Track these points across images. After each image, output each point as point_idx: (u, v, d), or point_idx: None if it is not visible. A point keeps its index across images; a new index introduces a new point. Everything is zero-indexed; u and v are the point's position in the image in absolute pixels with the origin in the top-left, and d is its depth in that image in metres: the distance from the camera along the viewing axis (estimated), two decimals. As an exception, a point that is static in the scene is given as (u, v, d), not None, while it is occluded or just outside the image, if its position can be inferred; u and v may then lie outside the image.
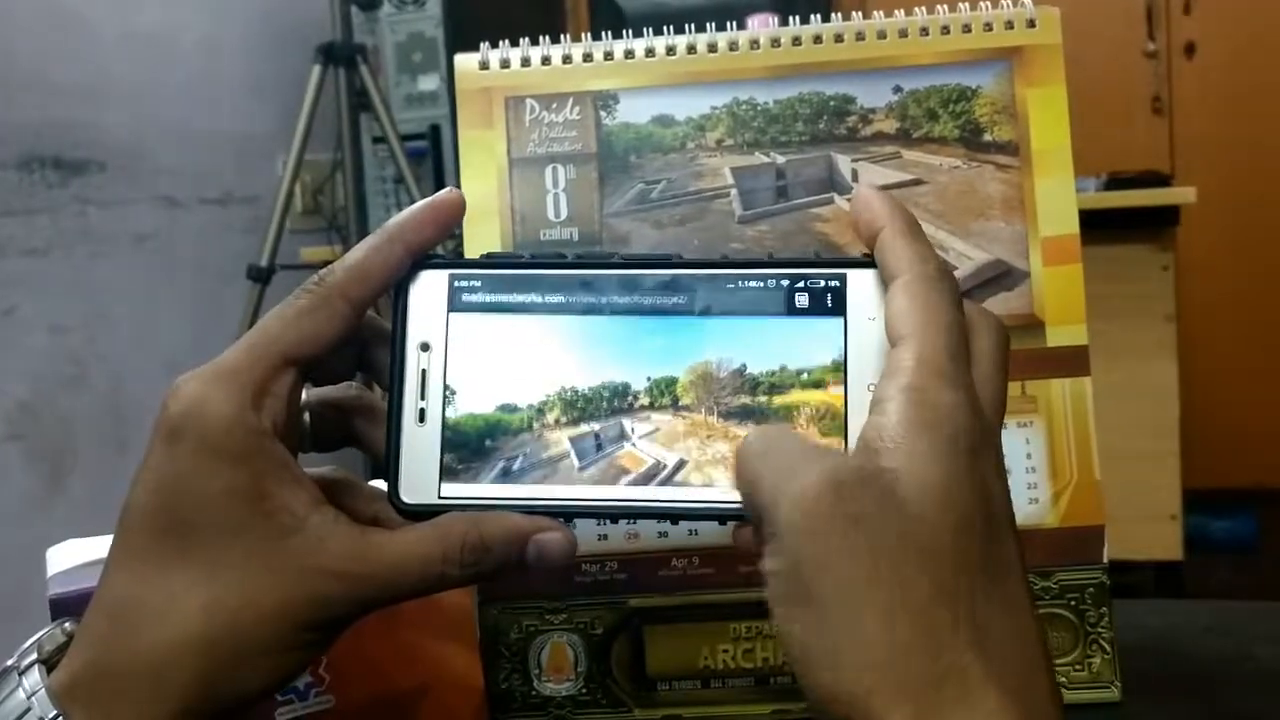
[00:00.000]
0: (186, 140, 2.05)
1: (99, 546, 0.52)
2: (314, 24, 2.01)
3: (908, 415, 0.35)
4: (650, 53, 0.60)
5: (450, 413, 0.40)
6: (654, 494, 0.39)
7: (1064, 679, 0.57)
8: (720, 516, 0.39)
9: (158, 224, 2.01)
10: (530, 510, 0.40)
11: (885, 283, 0.39)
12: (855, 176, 0.59)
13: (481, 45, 0.61)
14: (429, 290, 0.40)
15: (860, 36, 0.59)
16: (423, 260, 0.40)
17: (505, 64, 0.60)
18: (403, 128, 2.08)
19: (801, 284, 0.40)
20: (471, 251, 0.58)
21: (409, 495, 0.39)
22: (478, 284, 0.40)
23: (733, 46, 0.60)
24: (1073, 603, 0.57)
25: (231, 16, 2.14)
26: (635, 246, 0.59)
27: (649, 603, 0.57)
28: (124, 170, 1.94)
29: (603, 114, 0.59)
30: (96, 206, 1.89)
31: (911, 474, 0.34)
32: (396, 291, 0.40)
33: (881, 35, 0.59)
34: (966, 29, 0.59)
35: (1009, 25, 0.59)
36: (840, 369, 0.39)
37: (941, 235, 0.58)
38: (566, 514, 0.40)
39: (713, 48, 0.60)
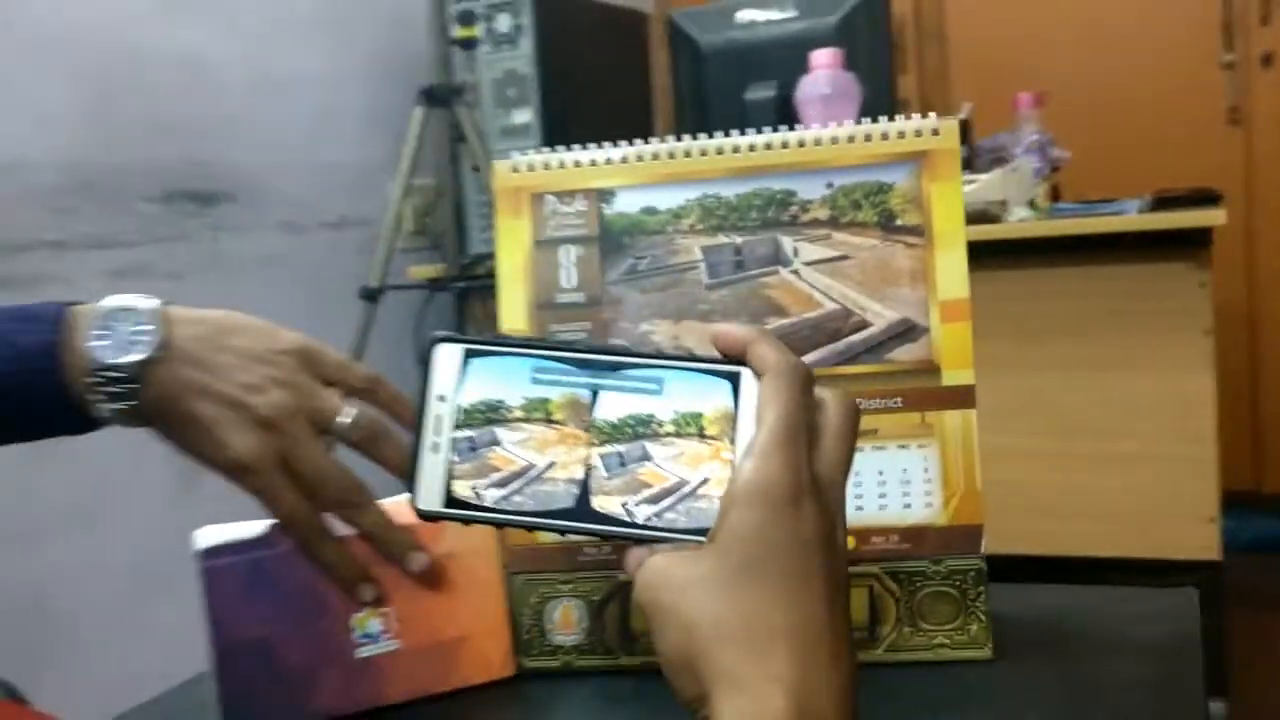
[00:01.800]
0: (307, 171, 2.28)
1: (233, 530, 0.72)
2: (420, 64, 2.23)
3: (743, 479, 0.48)
4: (639, 158, 0.78)
5: (457, 445, 0.53)
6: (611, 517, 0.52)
7: (947, 641, 0.73)
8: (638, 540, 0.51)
9: (281, 247, 2.24)
10: (512, 524, 0.52)
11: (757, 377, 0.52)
12: (796, 253, 0.76)
13: (513, 154, 0.80)
14: (447, 358, 0.55)
15: (801, 144, 0.77)
16: (443, 337, 0.55)
17: (531, 168, 0.79)
18: (498, 156, 2.29)
19: (709, 374, 0.53)
20: (507, 307, 0.77)
21: (423, 504, 0.54)
22: (482, 356, 0.54)
23: (703, 153, 0.77)
24: (957, 583, 0.74)
25: (347, 60, 2.37)
26: (627, 308, 0.77)
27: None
28: (252, 200, 2.17)
29: (603, 206, 0.78)
30: (227, 233, 2.13)
31: (734, 523, 0.48)
32: (423, 359, 0.57)
33: (818, 143, 0.77)
34: (885, 137, 0.76)
35: (918, 134, 0.76)
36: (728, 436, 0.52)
37: (862, 299, 0.75)
38: (539, 528, 0.54)
39: (687, 154, 0.78)
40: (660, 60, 2.45)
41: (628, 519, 0.51)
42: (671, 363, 0.53)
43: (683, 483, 0.51)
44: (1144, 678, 0.69)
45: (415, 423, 0.54)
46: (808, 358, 0.75)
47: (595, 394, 0.53)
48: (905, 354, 0.75)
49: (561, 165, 0.79)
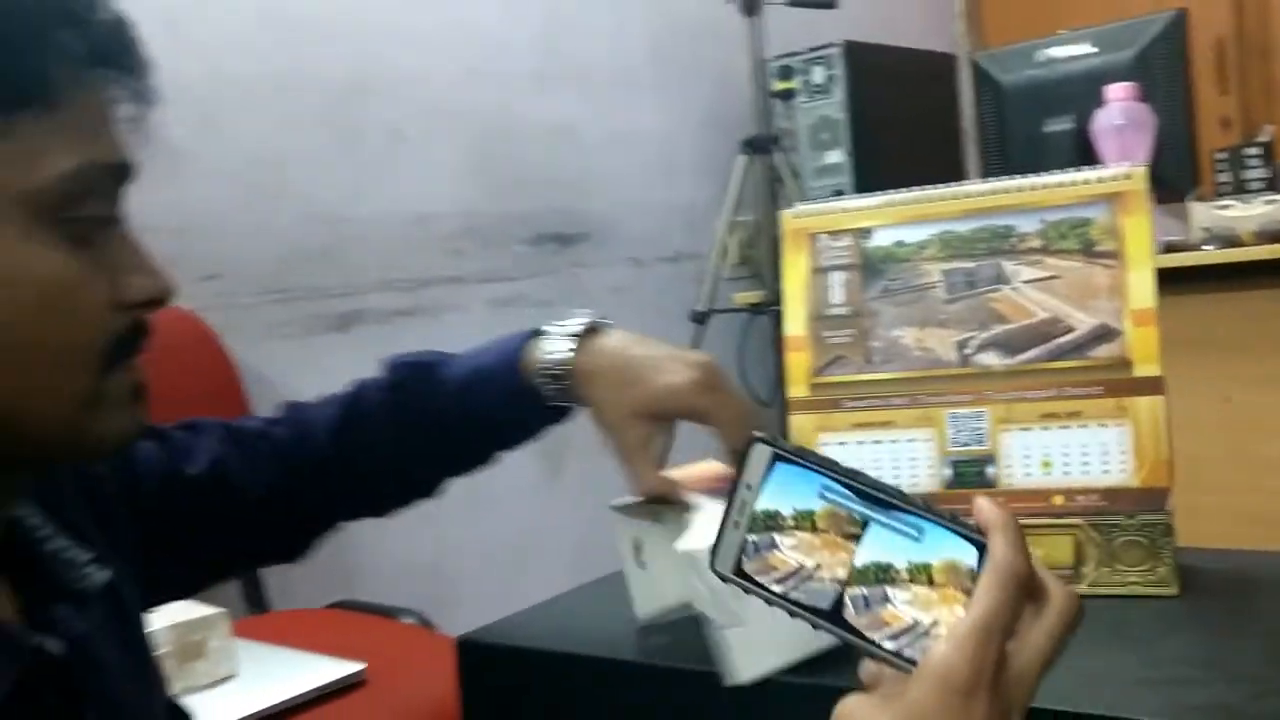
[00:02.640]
0: (648, 213, 2.64)
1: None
2: (743, 116, 2.54)
3: (933, 659, 0.51)
4: (891, 204, 1.02)
5: (754, 528, 0.58)
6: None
7: (1139, 580, 0.92)
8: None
9: (628, 279, 2.60)
10: (782, 606, 0.57)
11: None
12: (1015, 274, 0.98)
13: (778, 205, 1.06)
14: (759, 456, 0.58)
15: (1020, 189, 0.99)
16: (760, 439, 0.59)
17: (809, 214, 1.05)
18: (813, 193, 2.55)
19: (963, 536, 0.55)
20: (790, 318, 1.03)
21: (719, 566, 0.58)
22: (786, 463, 0.58)
23: (941, 198, 1.01)
24: (1147, 534, 0.92)
25: (681, 116, 2.71)
26: (882, 318, 1.01)
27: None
28: (604, 239, 2.55)
29: (863, 241, 1.03)
30: (584, 268, 2.51)
31: (912, 697, 0.51)
32: (741, 454, 0.59)
33: (1033, 188, 0.98)
34: (1086, 181, 0.96)
35: (1114, 178, 0.96)
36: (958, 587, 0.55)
37: (1068, 309, 0.96)
38: (802, 618, 0.56)
39: (929, 200, 1.01)
40: (969, 99, 2.63)
41: (869, 636, 0.55)
42: (934, 517, 0.56)
43: (917, 624, 0.55)
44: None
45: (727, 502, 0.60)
46: (1025, 355, 0.97)
47: (865, 525, 0.57)
48: (1103, 352, 0.95)
49: (831, 212, 1.04)
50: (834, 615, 0.56)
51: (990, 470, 0.97)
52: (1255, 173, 2.15)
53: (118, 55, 0.61)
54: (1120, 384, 0.94)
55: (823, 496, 0.58)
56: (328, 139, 2.10)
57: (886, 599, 0.56)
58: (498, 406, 0.91)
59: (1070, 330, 0.96)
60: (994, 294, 0.98)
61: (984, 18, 3.81)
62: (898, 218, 1.02)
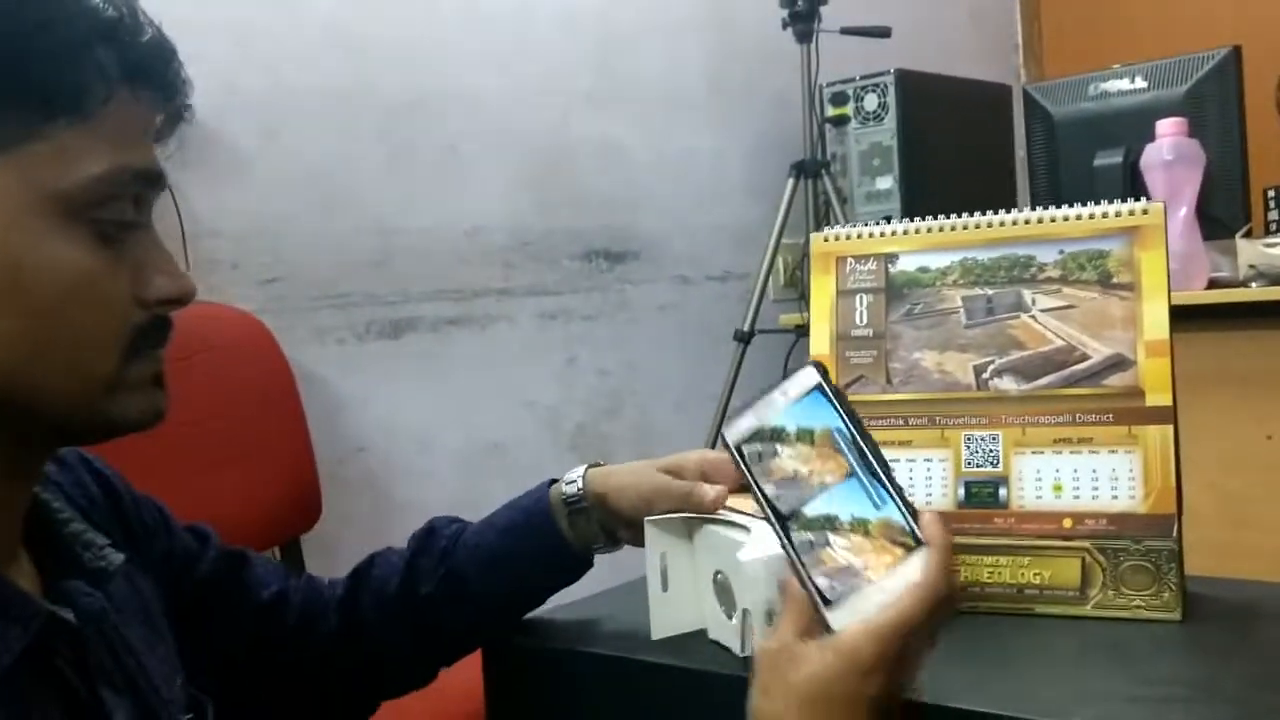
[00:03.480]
0: (697, 232, 2.68)
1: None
2: (793, 140, 2.58)
3: (847, 637, 0.65)
4: (917, 231, 1.05)
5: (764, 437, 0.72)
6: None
7: (1143, 604, 0.94)
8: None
9: (675, 297, 2.65)
10: (763, 508, 0.70)
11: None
12: (1033, 302, 1.01)
13: (824, 228, 1.10)
14: (804, 377, 0.73)
15: (1040, 221, 1.02)
16: (814, 364, 0.73)
17: (837, 238, 1.09)
18: (862, 218, 2.58)
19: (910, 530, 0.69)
20: (815, 339, 1.07)
21: (730, 435, 0.72)
22: (823, 394, 0.72)
23: (965, 227, 1.04)
24: (1153, 559, 0.94)
25: (733, 138, 2.76)
26: (904, 341, 1.05)
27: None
28: (652, 257, 2.59)
29: (889, 265, 1.06)
30: (632, 285, 2.56)
31: (824, 661, 0.65)
32: (791, 370, 0.76)
33: (1053, 220, 1.01)
34: (1105, 215, 0.99)
35: (1131, 213, 0.98)
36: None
37: (1084, 338, 0.99)
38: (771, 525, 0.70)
39: (953, 228, 1.04)
40: (1022, 130, 2.65)
41: (807, 566, 0.69)
42: (901, 503, 0.69)
43: (850, 566, 0.68)
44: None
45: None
46: (1040, 381, 1.00)
47: (847, 476, 0.70)
48: (1117, 381, 0.97)
49: (859, 236, 1.08)
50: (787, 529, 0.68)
51: (1003, 492, 1.00)
52: (1304, 211, 2.15)
53: (153, 73, 0.66)
54: (1131, 412, 0.96)
55: (832, 435, 0.70)
56: (385, 152, 2.17)
57: (828, 543, 0.68)
58: (528, 557, 0.98)
59: (1085, 359, 0.99)
60: (1012, 321, 1.01)
61: (1043, 50, 3.82)
62: (922, 244, 1.05)
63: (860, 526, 0.68)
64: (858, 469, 0.69)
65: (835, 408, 0.71)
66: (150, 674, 0.73)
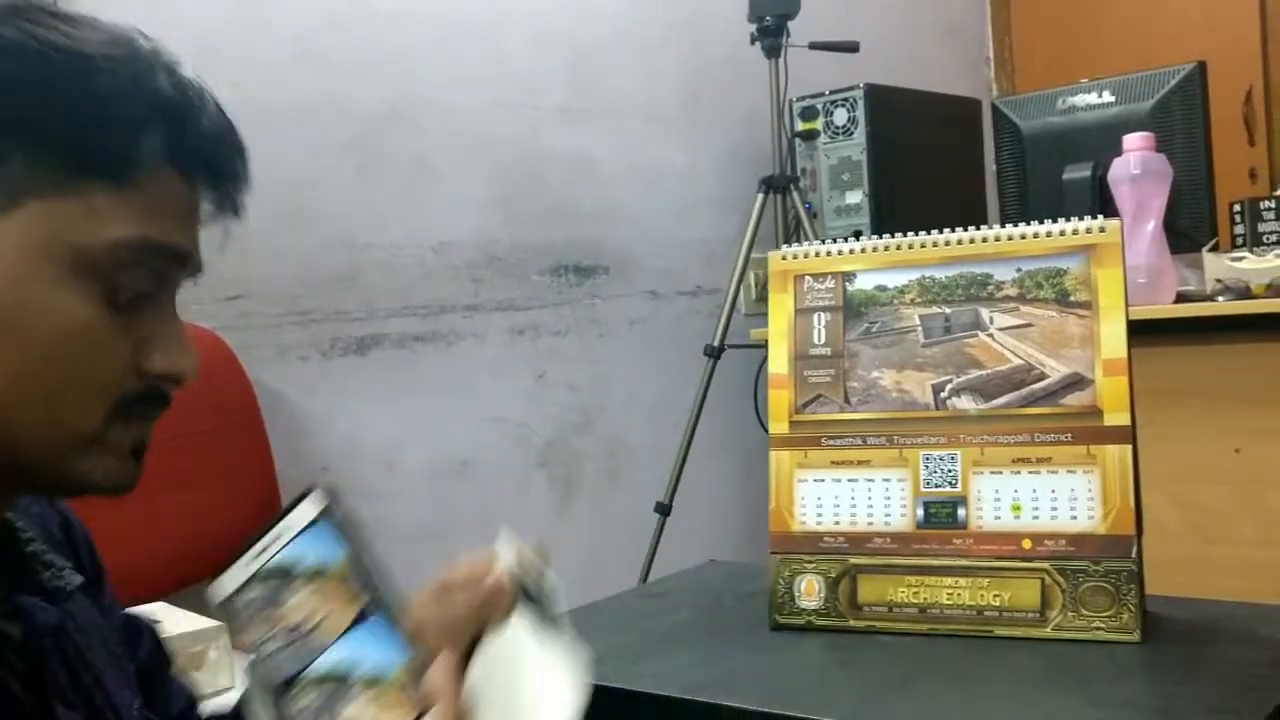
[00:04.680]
0: (668, 247, 2.67)
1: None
2: (765, 155, 2.57)
3: None
4: (875, 249, 1.05)
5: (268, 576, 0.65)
6: None
7: (1103, 625, 0.93)
8: None
9: (646, 312, 2.63)
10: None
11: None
12: (991, 320, 1.00)
13: (777, 239, 1.09)
14: (311, 503, 0.68)
15: (998, 239, 1.01)
16: (321, 488, 0.69)
17: (795, 256, 1.08)
18: (832, 233, 2.58)
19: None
20: (774, 357, 1.06)
21: (219, 593, 0.68)
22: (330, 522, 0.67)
23: (923, 245, 1.03)
24: (1112, 580, 0.94)
25: (704, 153, 2.75)
26: (861, 359, 1.04)
27: (860, 561, 1.01)
28: (623, 272, 2.58)
29: (847, 283, 1.05)
30: (603, 300, 2.55)
31: None
32: (296, 498, 0.69)
33: (1010, 238, 1.01)
34: (1063, 233, 0.99)
35: (1089, 231, 0.98)
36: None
37: (1042, 356, 0.98)
38: None
39: (911, 246, 1.04)
40: (992, 144, 2.65)
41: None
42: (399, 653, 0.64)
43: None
44: (1268, 664, 0.86)
45: None
46: (998, 400, 0.99)
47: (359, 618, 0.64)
48: (1075, 400, 0.97)
49: (817, 254, 1.07)
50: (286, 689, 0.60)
51: (962, 512, 0.99)
52: (1271, 225, 2.15)
53: (210, 165, 0.66)
54: (1090, 432, 0.96)
55: (346, 570, 0.63)
56: (354, 166, 2.15)
57: (333, 709, 0.61)
58: None
59: (1043, 378, 0.98)
60: (970, 340, 1.01)
61: (1015, 65, 3.84)
62: (880, 263, 1.05)
63: (374, 681, 0.62)
64: (372, 609, 0.63)
65: (344, 537, 0.64)
66: (109, 693, 0.72)
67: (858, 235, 2.58)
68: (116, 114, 0.61)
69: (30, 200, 0.60)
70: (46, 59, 0.60)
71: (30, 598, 0.67)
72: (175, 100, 0.64)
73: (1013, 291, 1.00)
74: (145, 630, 0.89)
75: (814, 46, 2.45)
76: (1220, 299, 2.07)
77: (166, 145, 0.63)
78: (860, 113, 2.57)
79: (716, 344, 2.39)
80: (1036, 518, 0.97)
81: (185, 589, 1.60)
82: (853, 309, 1.05)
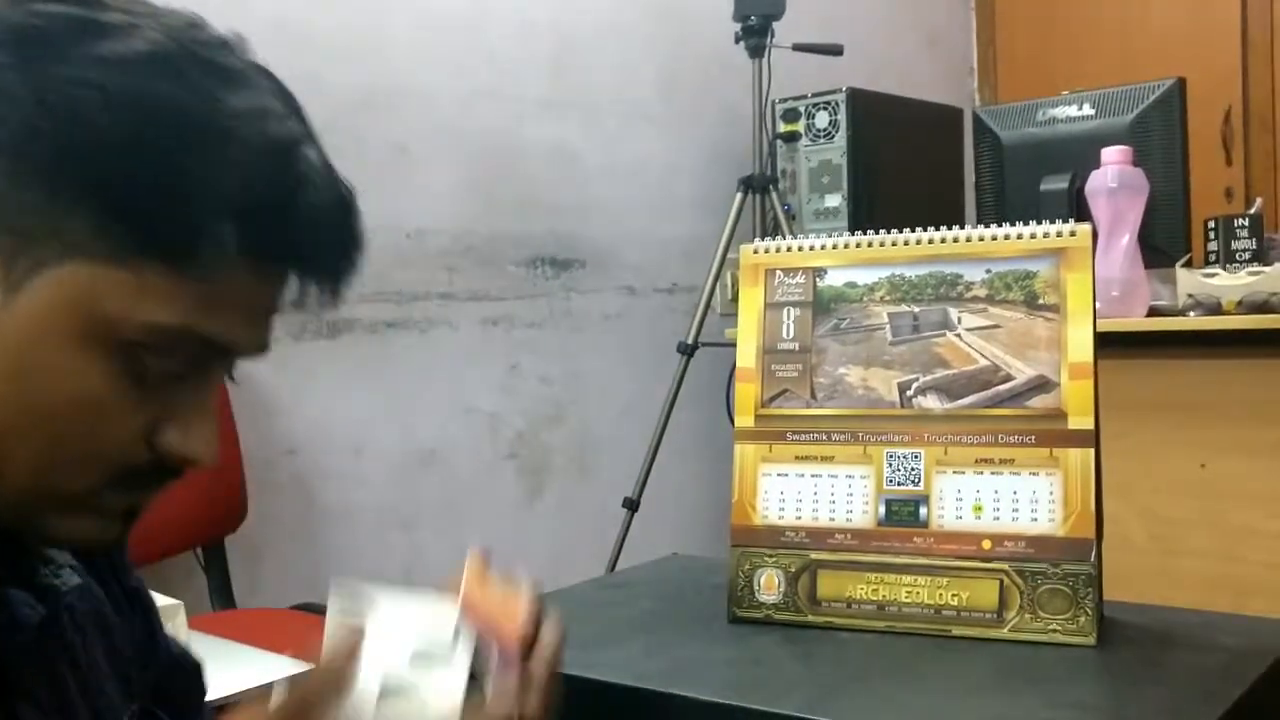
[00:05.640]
0: (645, 243, 2.67)
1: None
2: (745, 155, 2.57)
3: None
4: (846, 246, 1.05)
5: None
6: None
7: (1059, 628, 0.94)
8: None
9: (621, 307, 2.63)
10: None
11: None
12: (959, 321, 1.00)
13: (755, 239, 1.09)
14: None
15: (969, 239, 1.01)
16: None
17: (767, 251, 1.08)
18: (811, 234, 2.58)
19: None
20: (742, 352, 1.06)
21: None
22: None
23: (894, 244, 1.03)
24: (1070, 583, 0.94)
25: (684, 150, 2.75)
26: (829, 355, 1.04)
27: (821, 556, 1.01)
28: (599, 266, 2.58)
29: (817, 279, 1.05)
30: (578, 293, 2.54)
31: None
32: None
33: (981, 239, 1.01)
34: (1033, 236, 0.99)
35: (1059, 234, 0.98)
36: None
37: (1008, 358, 0.98)
38: None
39: (882, 244, 1.04)
40: (965, 151, 2.67)
41: None
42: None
43: None
44: (1220, 671, 0.86)
45: None
46: (964, 400, 0.99)
47: None
48: (1040, 403, 0.97)
49: (789, 250, 1.07)
50: None
51: (923, 510, 0.99)
52: (1243, 243, 2.17)
53: (303, 259, 0.60)
54: (1053, 435, 0.96)
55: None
56: (329, 148, 2.13)
57: None
58: None
59: (1009, 379, 0.98)
60: (938, 339, 1.01)
61: (998, 75, 3.85)
62: (851, 259, 1.05)
63: None
64: None
65: None
66: (97, 697, 0.68)
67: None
68: (186, 198, 0.55)
69: (80, 259, 0.55)
70: (172, 124, 0.55)
71: (21, 592, 0.63)
72: (261, 193, 0.57)
73: (982, 292, 1.00)
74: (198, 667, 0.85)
75: (798, 48, 2.45)
76: (1192, 314, 2.09)
77: (242, 240, 0.56)
78: (842, 116, 2.57)
79: (690, 341, 2.39)
80: (997, 519, 0.97)
81: (144, 566, 1.58)
82: (822, 305, 1.05)
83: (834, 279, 1.05)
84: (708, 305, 2.44)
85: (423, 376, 2.26)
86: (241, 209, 0.56)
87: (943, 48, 3.69)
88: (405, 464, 2.23)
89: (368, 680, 0.65)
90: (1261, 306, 2.08)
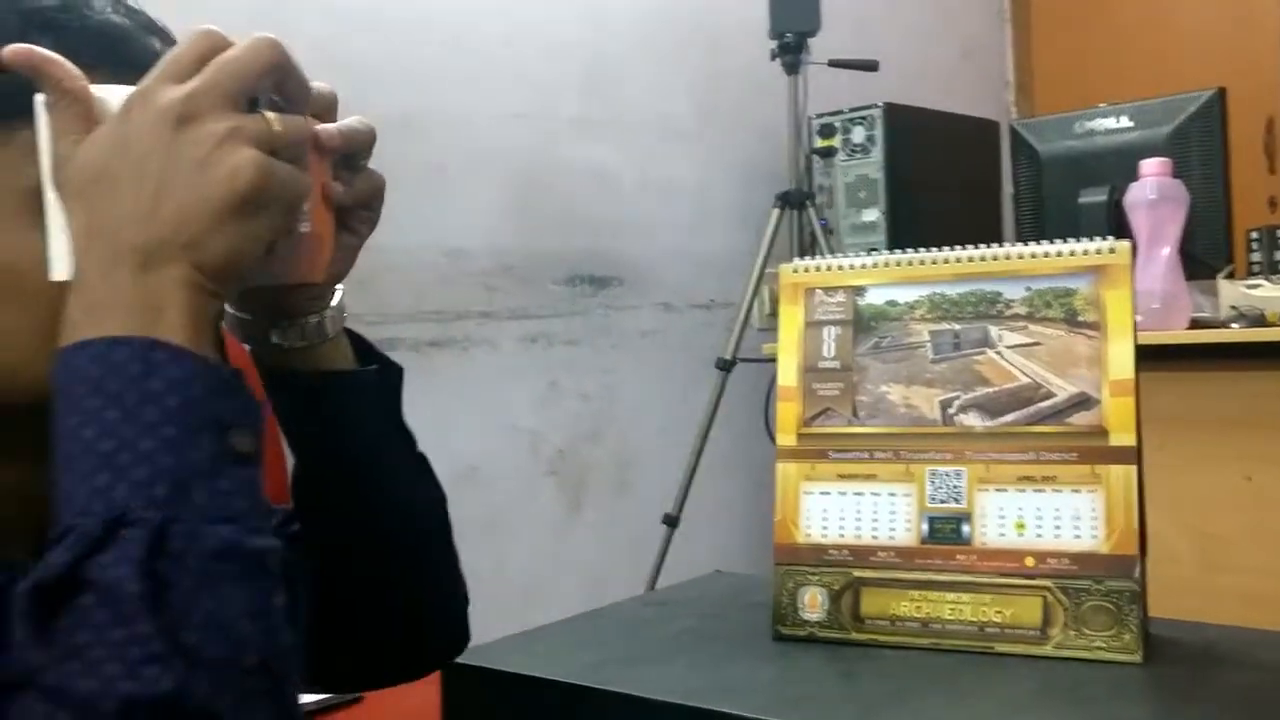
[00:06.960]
0: (682, 260, 2.69)
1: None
2: (781, 170, 2.59)
3: None
4: (886, 264, 1.05)
5: None
6: None
7: (1104, 645, 0.93)
8: None
9: (658, 323, 2.65)
10: None
11: None
12: (1000, 338, 1.01)
13: (792, 255, 1.10)
14: None
15: (1008, 257, 1.01)
16: None
17: (806, 270, 1.09)
18: (848, 250, 2.59)
19: None
20: (783, 370, 1.07)
21: None
22: None
23: (934, 262, 1.04)
24: (1114, 600, 0.94)
25: (720, 167, 2.77)
26: (870, 374, 1.04)
27: (864, 574, 1.02)
28: (637, 284, 2.60)
29: (857, 298, 1.06)
30: (615, 310, 2.56)
31: None
32: None
33: (1020, 256, 1.01)
34: (1072, 253, 0.99)
35: (1098, 251, 0.98)
36: None
37: (1049, 375, 0.98)
38: None
39: (922, 262, 1.04)
40: (1005, 165, 2.66)
41: None
42: None
43: None
44: (1269, 689, 0.86)
45: None
46: (1005, 418, 0.99)
47: None
48: (1081, 419, 0.97)
49: (828, 268, 1.08)
50: None
51: (966, 528, 0.99)
52: (1287, 253, 2.15)
53: (107, 55, 0.63)
54: (1095, 452, 0.96)
55: None
56: (372, 171, 2.16)
57: None
58: None
59: (1050, 396, 0.98)
60: (979, 357, 1.01)
61: (1035, 88, 3.84)
62: (891, 278, 1.05)
63: None
64: None
65: None
66: None
67: (872, 253, 2.58)
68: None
69: None
70: None
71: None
72: (49, 4, 0.61)
73: (1022, 310, 1.00)
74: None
75: (833, 64, 2.46)
76: (1234, 326, 2.07)
77: (59, 54, 0.59)
78: (878, 131, 2.58)
79: (729, 357, 2.40)
80: (1040, 536, 0.97)
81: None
82: (862, 323, 1.05)
83: (874, 297, 1.05)
84: (745, 321, 2.45)
85: (464, 394, 2.29)
86: (41, 30, 0.60)
87: (978, 61, 3.68)
88: (447, 481, 2.23)
89: None
90: (1303, 318, 2.06)
